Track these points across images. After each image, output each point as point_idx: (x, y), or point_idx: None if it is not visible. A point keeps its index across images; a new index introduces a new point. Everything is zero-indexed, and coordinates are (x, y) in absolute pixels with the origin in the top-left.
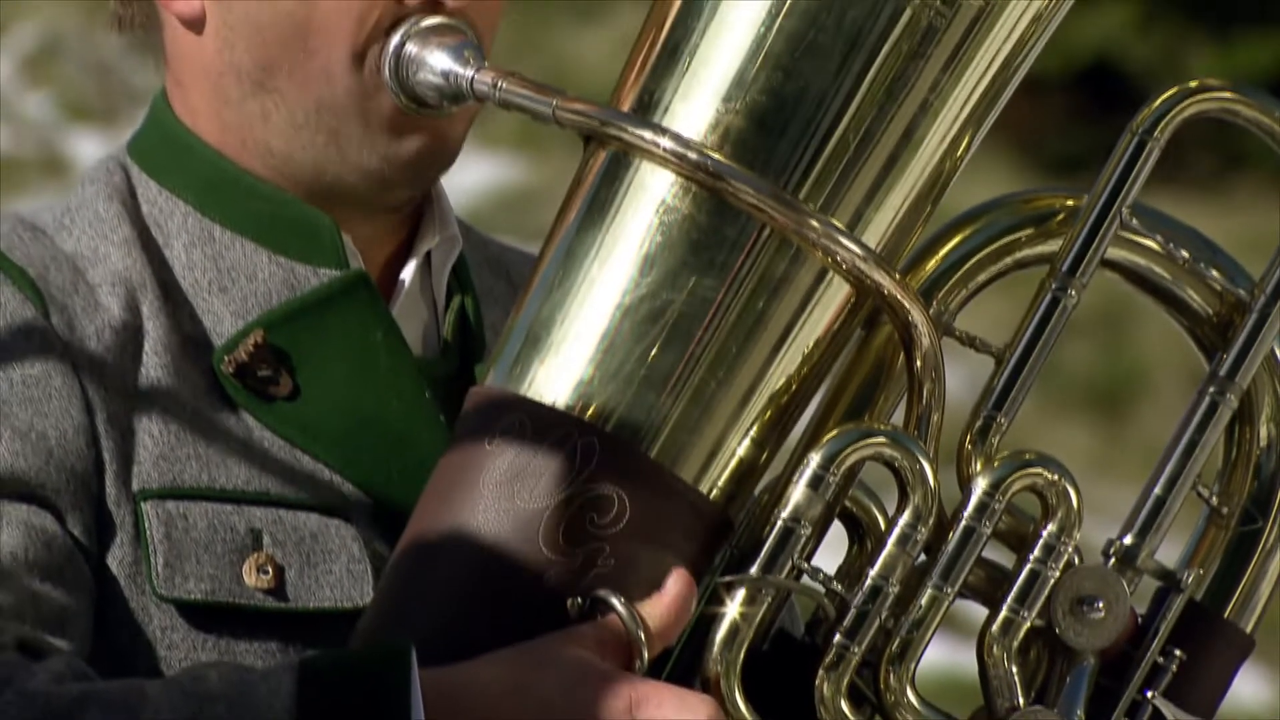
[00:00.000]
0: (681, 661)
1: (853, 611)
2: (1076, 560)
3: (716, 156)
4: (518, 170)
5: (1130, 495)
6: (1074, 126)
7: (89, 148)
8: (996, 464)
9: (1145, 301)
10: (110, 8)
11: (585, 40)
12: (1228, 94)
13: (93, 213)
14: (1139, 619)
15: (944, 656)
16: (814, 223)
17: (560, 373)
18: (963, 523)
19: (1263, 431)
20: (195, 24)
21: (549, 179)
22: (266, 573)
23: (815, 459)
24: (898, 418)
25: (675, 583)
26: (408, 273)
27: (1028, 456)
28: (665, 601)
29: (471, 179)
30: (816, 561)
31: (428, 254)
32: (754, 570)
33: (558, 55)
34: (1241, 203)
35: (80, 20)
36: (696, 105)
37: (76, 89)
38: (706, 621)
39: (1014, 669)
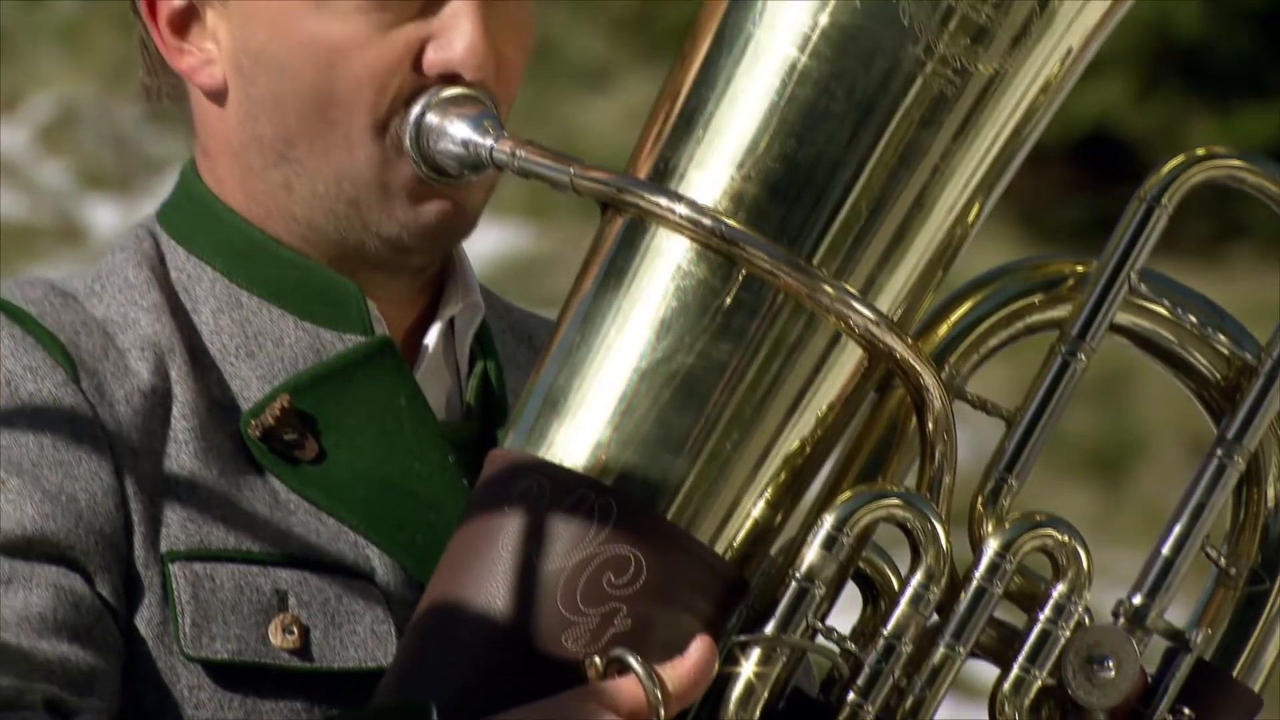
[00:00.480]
0: None
1: (866, 670)
2: (1087, 620)
3: (731, 223)
4: (526, 238)
5: (1129, 557)
6: (1073, 195)
7: (105, 216)
8: (1008, 525)
9: (1144, 366)
10: (139, 78)
11: (593, 109)
12: (1235, 161)
13: (122, 279)
14: (1149, 678)
15: (956, 716)
16: (828, 288)
17: (578, 435)
18: (974, 583)
19: (1270, 493)
20: (219, 96)
21: (557, 247)
22: (292, 633)
23: (829, 520)
24: (910, 479)
25: (698, 648)
26: (431, 338)
27: (1038, 518)
28: (687, 665)
29: (481, 246)
30: (831, 621)
31: (451, 319)
32: (769, 630)
33: (566, 124)
34: (1239, 269)
35: (97, 90)
36: (711, 172)
37: (93, 158)
38: (722, 681)
39: None
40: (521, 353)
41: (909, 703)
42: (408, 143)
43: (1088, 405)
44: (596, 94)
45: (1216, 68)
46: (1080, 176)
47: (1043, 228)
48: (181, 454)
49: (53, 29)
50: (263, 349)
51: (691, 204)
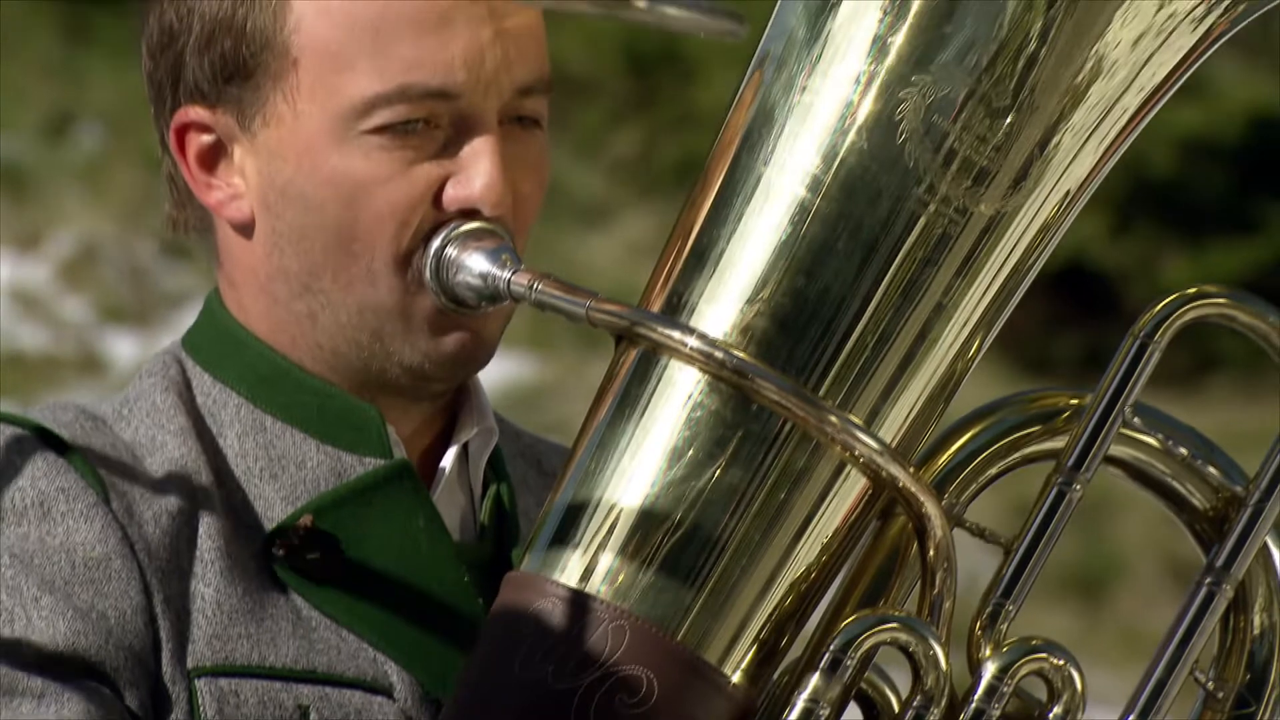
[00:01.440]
0: None
1: None
2: None
3: (741, 355)
4: (530, 367)
5: (1108, 676)
6: (1051, 327)
7: (124, 348)
8: (1005, 649)
9: (1123, 492)
10: (165, 211)
11: (593, 245)
12: (1224, 300)
13: (150, 403)
14: None
15: None
16: (833, 419)
17: (592, 558)
18: (973, 705)
19: (1256, 620)
20: (246, 230)
21: (559, 376)
22: None
23: (833, 643)
24: (911, 603)
25: None
26: (448, 461)
27: (1035, 642)
28: None
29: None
30: None
31: (465, 444)
32: None
33: (568, 259)
34: (1214, 400)
35: (117, 227)
36: (722, 306)
37: (113, 292)
38: None
39: None
40: (531, 475)
41: None
42: (428, 275)
43: (1070, 530)
44: (597, 231)
45: (1189, 205)
46: (1058, 308)
47: (1022, 357)
48: (208, 573)
49: (74, 168)
50: (286, 471)
51: (703, 337)
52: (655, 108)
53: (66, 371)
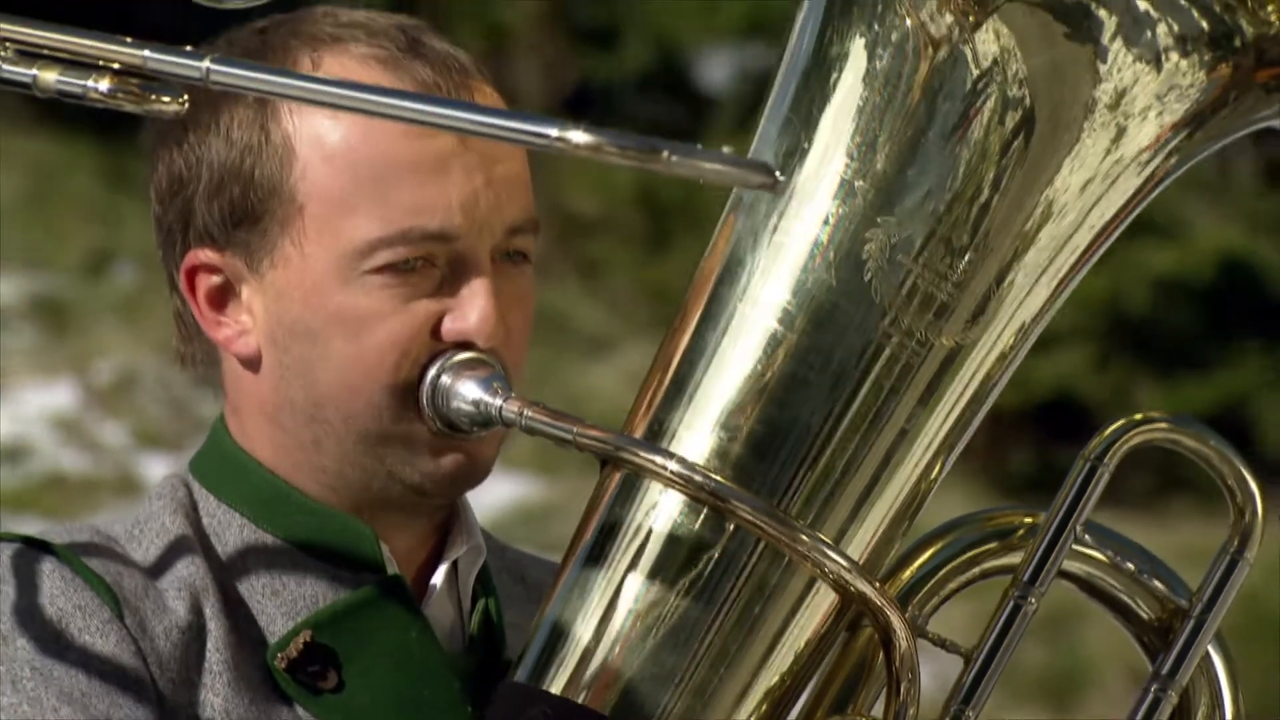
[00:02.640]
0: None
1: None
2: None
3: (718, 479)
4: (536, 489)
5: None
6: (1037, 452)
7: (159, 471)
8: None
9: (1090, 606)
10: (173, 346)
11: (594, 374)
12: (1167, 425)
13: (160, 524)
14: None
15: None
16: (804, 538)
17: (579, 670)
18: None
19: None
20: (253, 363)
21: (562, 497)
22: None
23: None
24: (878, 709)
25: None
26: (438, 578)
27: None
28: None
29: (495, 496)
30: None
31: (455, 561)
32: None
33: (570, 387)
34: (1175, 520)
35: (153, 357)
36: (700, 433)
37: (149, 419)
38: None
39: None
40: (516, 589)
41: None
42: (425, 402)
43: (1040, 639)
44: (600, 361)
45: (1164, 341)
46: (1043, 435)
47: (1008, 479)
48: (216, 684)
49: (112, 303)
50: (286, 588)
51: (682, 461)
52: (657, 247)
53: (104, 493)
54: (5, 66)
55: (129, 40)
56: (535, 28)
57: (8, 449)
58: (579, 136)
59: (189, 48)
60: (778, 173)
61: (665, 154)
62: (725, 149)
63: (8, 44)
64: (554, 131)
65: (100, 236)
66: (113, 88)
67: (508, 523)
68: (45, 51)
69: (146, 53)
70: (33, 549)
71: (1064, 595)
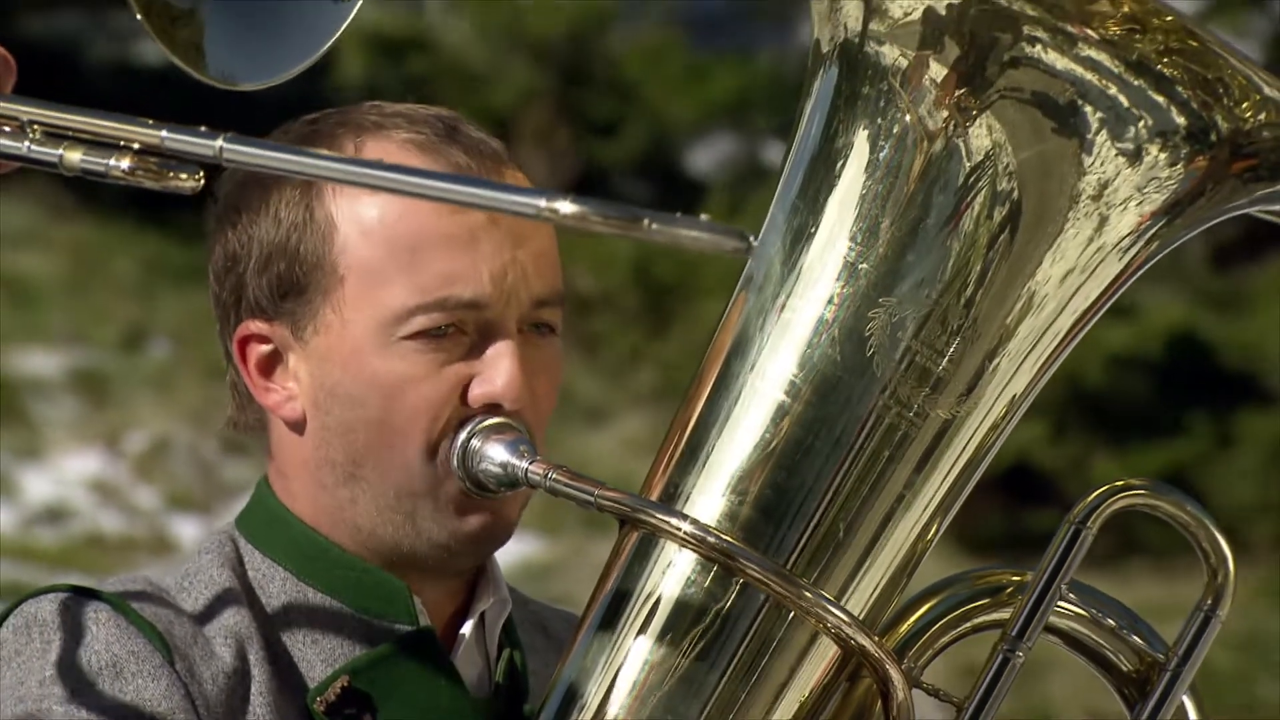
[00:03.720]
0: None
1: None
2: None
3: (728, 539)
4: (540, 548)
5: None
6: (999, 515)
7: (190, 531)
8: None
9: (1053, 655)
10: (228, 414)
11: (595, 442)
12: (1147, 491)
13: (208, 577)
14: None
15: None
16: (808, 594)
17: (599, 717)
18: None
19: None
20: (298, 426)
21: (565, 555)
22: None
23: None
24: None
25: None
26: (467, 629)
27: None
28: None
29: (503, 553)
30: None
31: (483, 613)
32: None
33: (573, 453)
34: (1134, 579)
35: (184, 428)
36: (712, 496)
37: (180, 483)
38: None
39: None
40: (538, 639)
41: None
42: (455, 463)
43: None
44: (600, 429)
45: (1117, 413)
46: (1004, 500)
47: (973, 541)
48: None
49: (147, 375)
50: (325, 636)
51: (696, 523)
52: (653, 323)
53: (140, 552)
54: (34, 147)
55: (148, 121)
56: (542, 119)
57: (50, 510)
58: (566, 206)
59: (204, 128)
60: (751, 237)
61: (646, 221)
62: (704, 217)
63: (36, 126)
64: (543, 202)
65: (136, 314)
66: (133, 166)
67: (514, 578)
68: (70, 133)
69: (164, 133)
70: (89, 599)
71: (1034, 647)
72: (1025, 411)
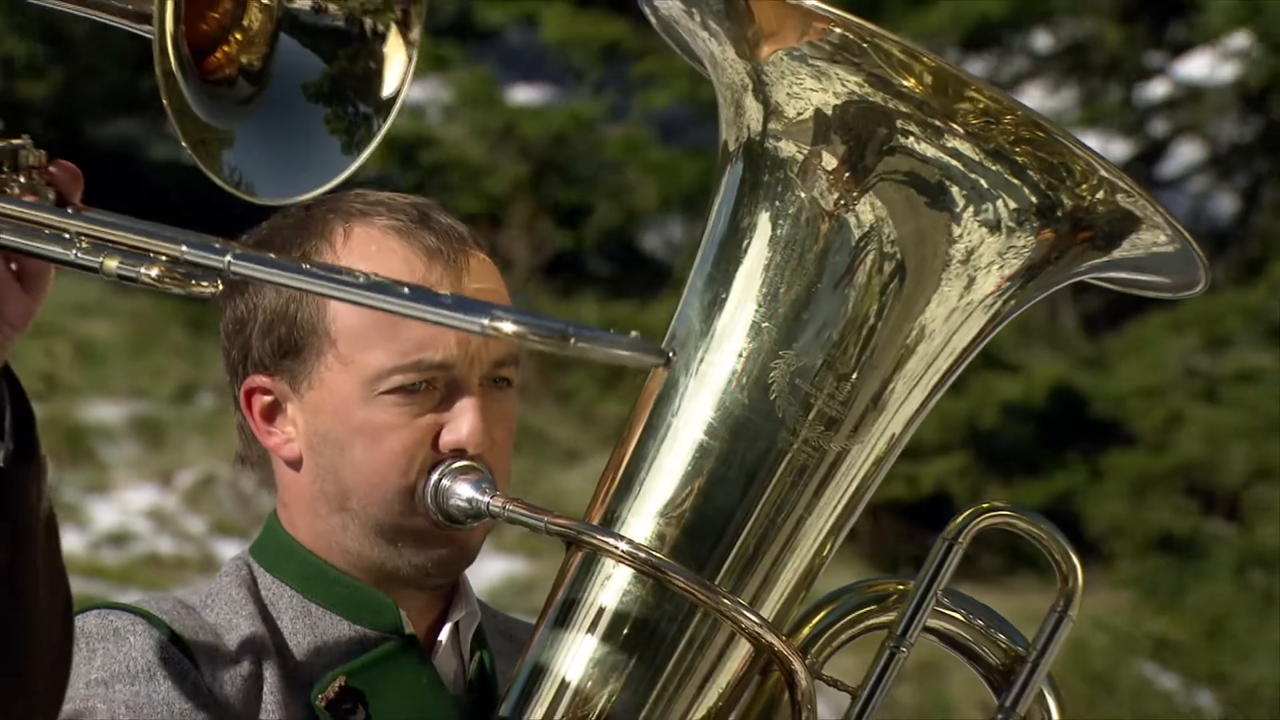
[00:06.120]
0: None
1: None
2: None
3: (659, 556)
4: (523, 566)
5: None
6: (917, 539)
7: (232, 553)
8: None
9: (953, 658)
10: (237, 450)
11: (568, 479)
12: (1008, 511)
13: (227, 596)
14: None
15: None
16: (726, 601)
17: (552, 707)
18: None
19: None
20: (296, 465)
21: (545, 573)
22: None
23: None
24: None
25: None
26: (444, 636)
27: None
28: None
29: (492, 571)
30: None
31: (457, 622)
32: None
33: (550, 489)
34: (1020, 590)
35: (228, 465)
36: (644, 520)
37: (224, 513)
38: None
39: None
40: (505, 645)
41: None
42: (428, 499)
43: (915, 683)
44: (572, 469)
45: (1008, 452)
46: (920, 526)
47: (893, 558)
48: (270, 718)
49: (196, 423)
50: (326, 644)
51: (631, 543)
52: (615, 379)
53: (190, 571)
54: (79, 255)
55: (171, 234)
56: (527, 206)
57: (114, 536)
58: (507, 326)
59: (217, 244)
60: (670, 353)
61: (572, 340)
62: (633, 334)
63: (82, 238)
64: (486, 320)
65: (187, 372)
66: (160, 274)
67: (501, 592)
68: (109, 244)
69: (184, 247)
70: (127, 614)
71: (932, 649)
72: (934, 451)
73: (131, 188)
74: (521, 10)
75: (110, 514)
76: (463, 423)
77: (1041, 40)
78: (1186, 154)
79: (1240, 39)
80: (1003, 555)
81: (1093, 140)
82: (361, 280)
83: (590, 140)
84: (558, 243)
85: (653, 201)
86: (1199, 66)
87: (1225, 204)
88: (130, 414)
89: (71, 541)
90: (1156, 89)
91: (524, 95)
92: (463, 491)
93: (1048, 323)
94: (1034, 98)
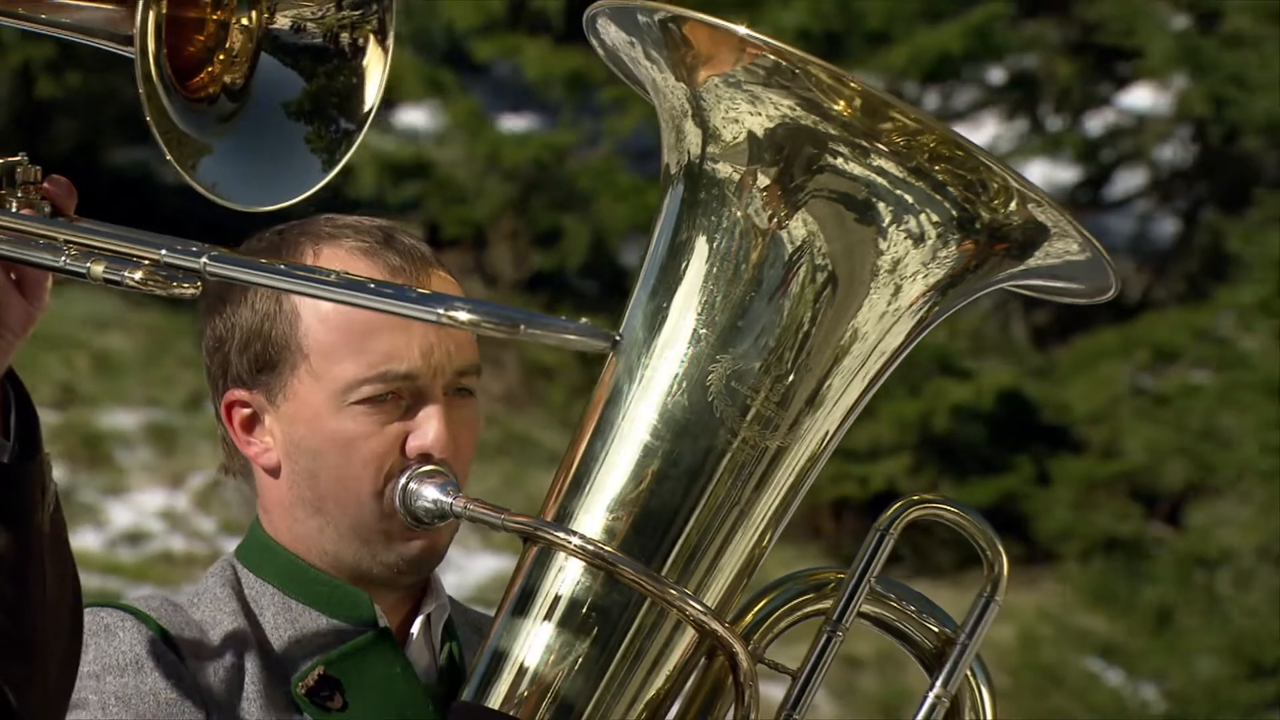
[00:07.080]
0: None
1: None
2: None
3: (608, 550)
4: (510, 563)
5: None
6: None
7: None
8: None
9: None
10: (219, 459)
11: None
12: (937, 503)
13: (213, 594)
14: None
15: None
16: (672, 591)
17: (512, 690)
18: None
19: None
20: (274, 472)
21: None
22: None
23: None
24: (730, 716)
25: None
26: (416, 628)
27: None
28: None
29: (482, 568)
30: None
31: (428, 615)
32: None
33: (533, 490)
34: (969, 585)
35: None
36: (595, 517)
37: (231, 514)
38: None
39: None
40: (473, 637)
41: None
42: (397, 502)
43: (876, 672)
44: (554, 470)
45: (959, 454)
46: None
47: (850, 552)
48: (252, 706)
49: (206, 430)
50: (305, 637)
51: (583, 537)
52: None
53: (200, 567)
54: (67, 261)
55: (152, 239)
56: (511, 226)
57: (129, 535)
58: (462, 315)
59: (194, 247)
60: (616, 335)
61: (522, 326)
62: (582, 320)
63: (70, 245)
64: (442, 310)
65: (197, 381)
66: (144, 277)
67: (491, 589)
68: (96, 250)
69: (163, 251)
70: (119, 611)
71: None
72: (886, 452)
73: (141, 208)
74: (506, 46)
75: (126, 515)
76: (428, 429)
77: (995, 74)
78: (1130, 179)
79: (1180, 79)
80: (954, 552)
81: (1043, 166)
82: (332, 278)
83: (565, 169)
84: (539, 261)
85: (625, 223)
86: (1141, 98)
87: (1167, 225)
88: (144, 421)
89: (90, 540)
90: (1102, 119)
91: (511, 124)
92: (429, 494)
93: (998, 334)
94: (988, 127)
